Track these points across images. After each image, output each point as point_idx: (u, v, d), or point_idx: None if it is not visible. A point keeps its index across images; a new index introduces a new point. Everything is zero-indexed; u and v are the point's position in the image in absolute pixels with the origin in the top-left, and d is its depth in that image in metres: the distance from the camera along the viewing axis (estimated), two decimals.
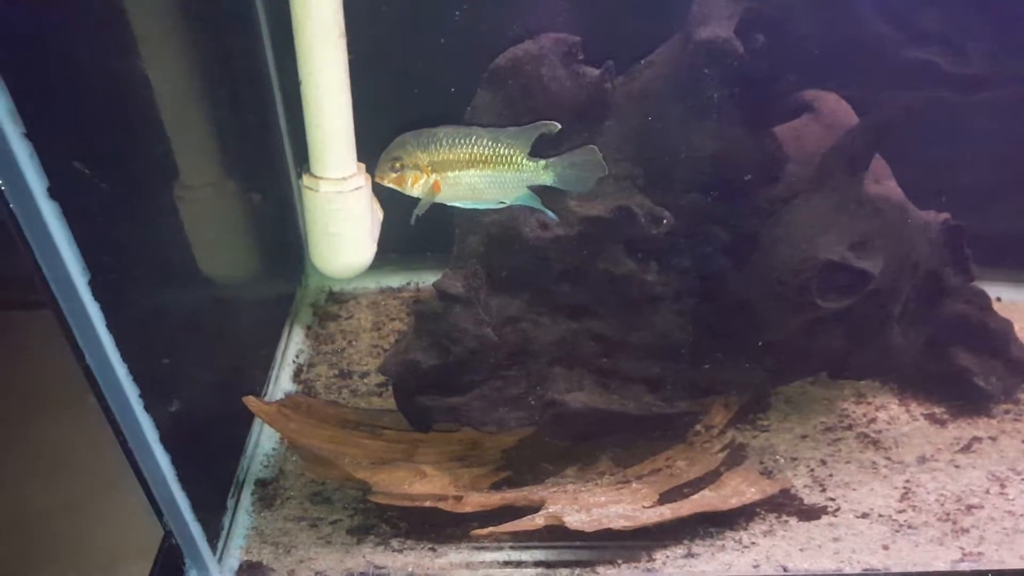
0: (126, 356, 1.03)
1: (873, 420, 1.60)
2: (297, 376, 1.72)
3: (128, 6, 1.06)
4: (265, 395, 1.65)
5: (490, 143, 1.15)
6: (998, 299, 1.82)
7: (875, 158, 1.36)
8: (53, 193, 0.86)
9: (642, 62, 1.30)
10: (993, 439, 1.55)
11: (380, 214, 1.84)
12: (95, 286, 0.95)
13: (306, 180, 1.68)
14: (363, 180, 1.66)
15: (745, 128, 1.26)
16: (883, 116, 1.27)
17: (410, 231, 1.88)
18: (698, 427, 1.53)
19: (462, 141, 1.16)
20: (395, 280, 2.04)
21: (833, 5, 1.11)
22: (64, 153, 0.89)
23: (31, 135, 0.81)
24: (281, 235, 1.90)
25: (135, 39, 1.09)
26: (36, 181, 0.84)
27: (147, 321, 1.14)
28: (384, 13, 1.61)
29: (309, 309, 1.94)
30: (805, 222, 1.27)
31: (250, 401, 1.38)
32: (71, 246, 0.90)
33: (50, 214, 0.87)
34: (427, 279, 2.05)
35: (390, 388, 1.55)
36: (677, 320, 1.40)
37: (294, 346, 1.81)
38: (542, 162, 1.17)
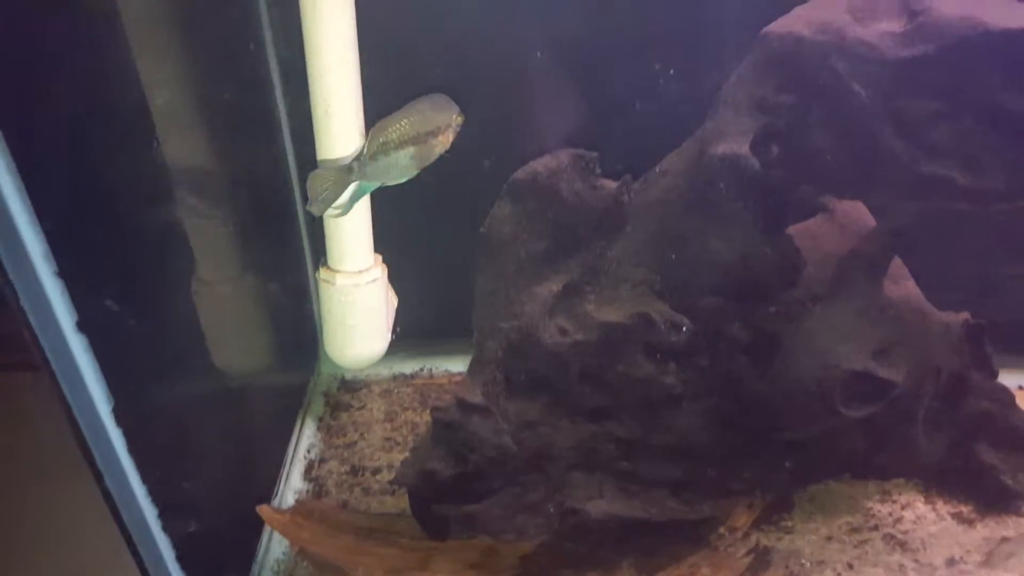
0: (146, 478, 1.03)
1: (899, 520, 1.56)
2: (308, 473, 1.70)
3: (159, 131, 1.09)
4: (276, 495, 1.62)
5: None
6: (1020, 387, 1.81)
7: None
8: (81, 327, 0.87)
9: (656, 170, 1.32)
10: None
11: (395, 302, 1.85)
12: (118, 413, 0.95)
13: (323, 273, 1.70)
14: (379, 272, 1.68)
15: (762, 234, 1.27)
16: (901, 220, 1.28)
17: (424, 317, 1.91)
18: (722, 530, 1.49)
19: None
20: (408, 366, 2.03)
21: (848, 122, 1.13)
22: (93, 288, 0.90)
23: (63, 274, 0.83)
24: (297, 326, 1.91)
25: (163, 173, 1.12)
26: (66, 316, 0.85)
27: (166, 439, 1.14)
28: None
29: (321, 399, 1.93)
30: (826, 330, 1.27)
31: (264, 511, 1.36)
32: (97, 375, 0.91)
33: (78, 347, 0.88)
34: (440, 365, 2.04)
35: (403, 489, 1.54)
36: (698, 421, 1.39)
37: (306, 440, 1.79)
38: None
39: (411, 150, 1.19)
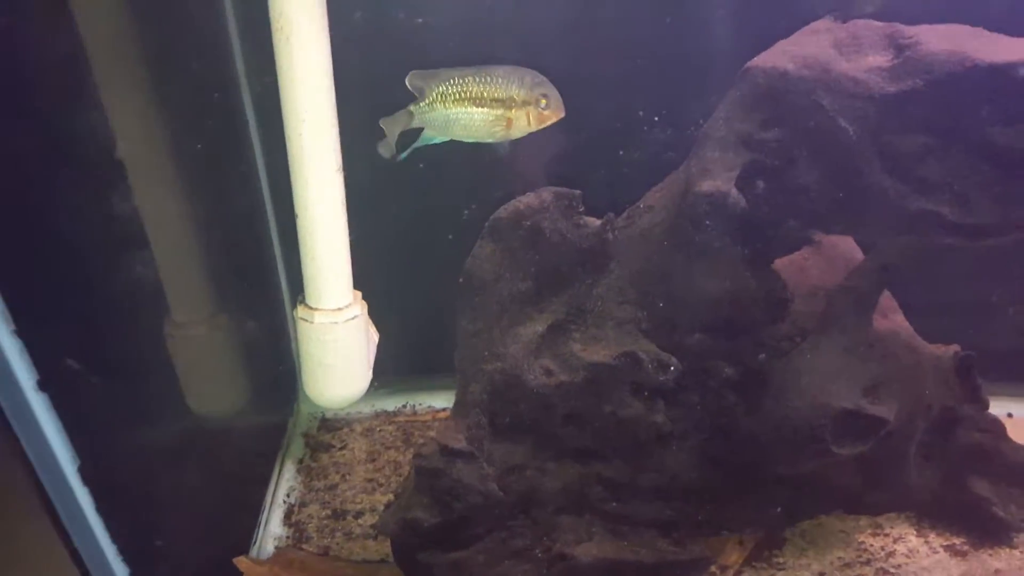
0: (116, 537, 0.99)
1: (892, 554, 1.53)
2: (288, 518, 1.65)
3: (125, 175, 1.05)
4: (255, 542, 1.57)
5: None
6: (1009, 415, 1.80)
7: None
8: (43, 385, 0.83)
9: (640, 205, 1.30)
10: (1018, 571, 1.49)
11: (375, 337, 1.81)
12: (84, 472, 0.91)
13: (301, 311, 1.65)
14: (359, 309, 1.63)
15: (748, 269, 1.25)
16: (889, 254, 1.26)
17: (405, 353, 1.87)
18: (713, 568, 1.46)
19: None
20: (390, 403, 1.99)
21: (835, 157, 1.11)
22: (54, 344, 0.86)
23: (20, 332, 0.79)
24: (274, 366, 1.86)
25: (131, 216, 1.08)
26: (26, 375, 0.81)
27: (137, 494, 1.09)
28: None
29: (301, 439, 1.88)
30: (816, 367, 1.24)
31: (241, 563, 1.31)
32: (60, 435, 0.87)
33: (39, 406, 0.84)
34: (423, 401, 2.00)
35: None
36: (687, 460, 1.36)
37: (285, 483, 1.74)
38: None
39: (475, 112, 1.15)
